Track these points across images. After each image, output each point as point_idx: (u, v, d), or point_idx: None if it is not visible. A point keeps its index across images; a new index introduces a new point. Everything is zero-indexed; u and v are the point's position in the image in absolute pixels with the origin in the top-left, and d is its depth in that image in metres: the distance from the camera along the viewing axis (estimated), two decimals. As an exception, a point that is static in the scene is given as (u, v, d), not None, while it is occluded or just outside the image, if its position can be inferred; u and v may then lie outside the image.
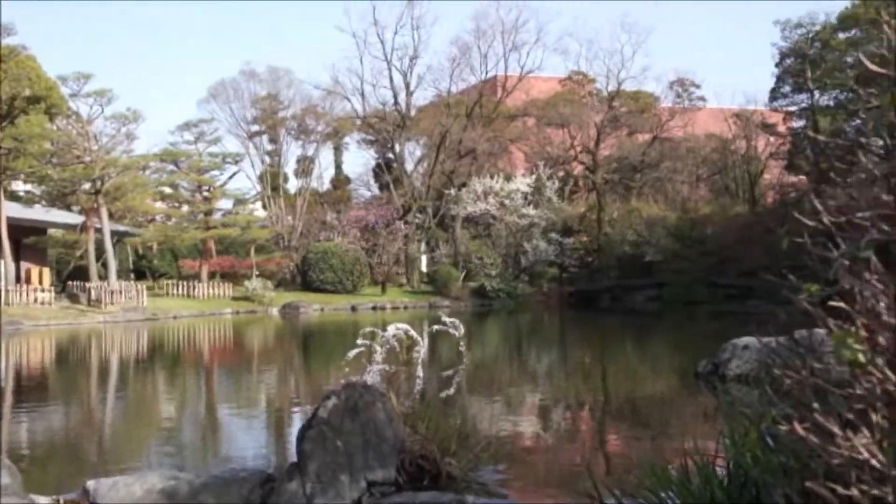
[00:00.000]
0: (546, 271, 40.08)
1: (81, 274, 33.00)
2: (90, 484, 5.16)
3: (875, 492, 1.96)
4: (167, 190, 40.08)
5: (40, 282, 31.06)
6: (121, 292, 30.59)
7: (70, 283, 33.07)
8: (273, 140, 47.50)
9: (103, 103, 31.80)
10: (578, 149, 44.52)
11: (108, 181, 31.55)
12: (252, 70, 45.51)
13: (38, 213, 33.27)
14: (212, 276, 37.59)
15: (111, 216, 32.90)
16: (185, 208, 39.79)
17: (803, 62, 35.56)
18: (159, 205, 40.73)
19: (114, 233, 32.79)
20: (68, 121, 33.51)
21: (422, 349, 6.13)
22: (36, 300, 28.94)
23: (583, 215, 42.15)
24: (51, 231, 34.61)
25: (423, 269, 42.67)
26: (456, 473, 5.43)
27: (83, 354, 21.08)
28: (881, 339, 1.97)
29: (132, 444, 9.08)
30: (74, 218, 33.85)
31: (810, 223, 2.31)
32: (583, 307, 36.89)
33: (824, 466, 2.16)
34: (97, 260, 32.13)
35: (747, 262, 32.07)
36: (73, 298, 31.10)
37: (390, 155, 47.10)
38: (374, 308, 35.24)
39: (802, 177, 38.18)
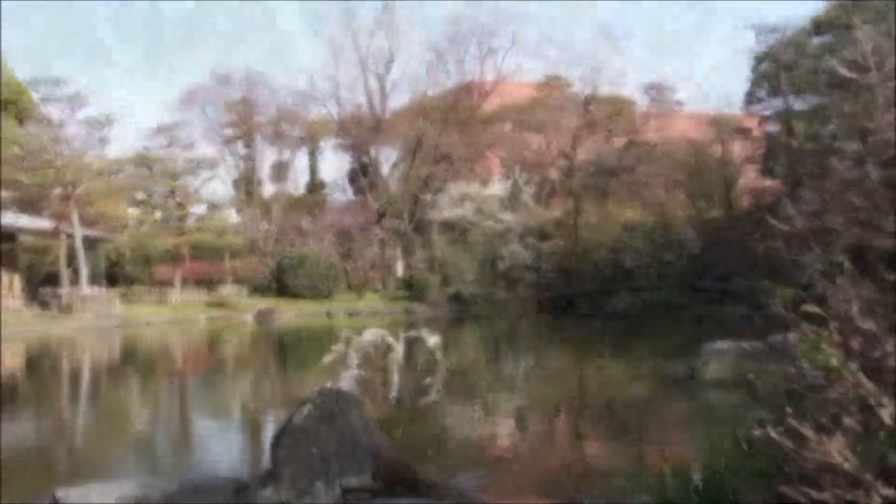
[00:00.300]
0: (523, 276, 40.13)
1: (53, 280, 32.70)
2: (61, 492, 5.11)
3: (849, 497, 1.98)
4: (140, 195, 39.80)
5: (10, 289, 30.74)
6: (93, 299, 30.33)
7: (41, 289, 32.74)
8: (248, 145, 47.29)
9: (75, 107, 31.56)
10: (555, 153, 44.66)
11: (80, 186, 31.30)
12: (226, 74, 45.31)
13: (9, 218, 32.94)
14: (185, 282, 37.36)
15: (83, 222, 32.62)
16: (159, 214, 39.52)
17: (778, 66, 35.86)
18: (132, 210, 40.43)
19: (86, 238, 32.51)
20: (39, 125, 33.21)
21: (397, 355, 6.12)
22: (7, 307, 28.64)
23: (560, 220, 42.27)
24: (22, 237, 34.25)
25: (399, 274, 42.62)
26: (433, 479, 5.42)
27: (54, 362, 20.88)
28: (854, 344, 1.99)
29: (105, 452, 9.01)
30: (46, 223, 33.53)
31: (785, 228, 2.33)
32: (561, 312, 36.98)
33: (799, 471, 2.18)
34: (69, 266, 31.85)
35: (725, 266, 32.30)
36: (45, 305, 30.80)
37: (366, 160, 47.03)
38: (349, 314, 35.16)
39: (778, 181, 38.47)
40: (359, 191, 47.57)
